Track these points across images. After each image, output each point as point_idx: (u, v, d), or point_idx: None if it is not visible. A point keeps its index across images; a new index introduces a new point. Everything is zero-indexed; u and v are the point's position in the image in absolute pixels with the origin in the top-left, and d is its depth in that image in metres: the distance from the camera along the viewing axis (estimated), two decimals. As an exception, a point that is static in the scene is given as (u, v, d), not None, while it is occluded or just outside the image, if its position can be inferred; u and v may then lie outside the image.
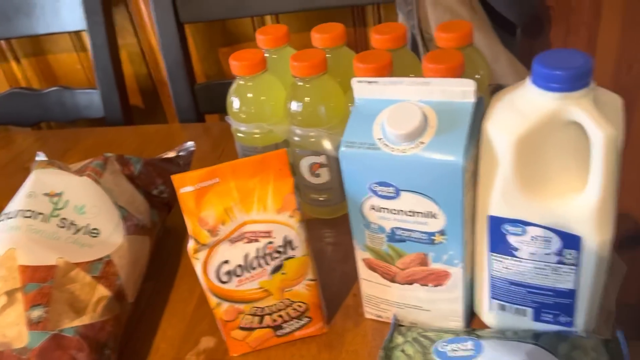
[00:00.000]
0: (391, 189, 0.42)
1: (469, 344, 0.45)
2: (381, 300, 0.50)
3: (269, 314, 0.49)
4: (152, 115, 1.15)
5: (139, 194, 0.60)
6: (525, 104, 0.38)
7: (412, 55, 0.60)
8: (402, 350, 0.46)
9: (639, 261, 1.18)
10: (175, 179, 0.44)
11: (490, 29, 0.78)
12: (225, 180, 0.44)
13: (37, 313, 0.46)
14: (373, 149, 0.42)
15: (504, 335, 0.45)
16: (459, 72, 0.48)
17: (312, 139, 0.59)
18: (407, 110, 0.41)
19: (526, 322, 0.46)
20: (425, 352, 0.45)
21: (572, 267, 0.41)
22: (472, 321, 0.50)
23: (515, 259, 0.43)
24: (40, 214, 0.53)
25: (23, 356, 0.44)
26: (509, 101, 0.40)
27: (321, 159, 0.60)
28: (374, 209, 0.44)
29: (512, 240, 0.42)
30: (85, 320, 0.47)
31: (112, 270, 0.52)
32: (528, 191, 0.40)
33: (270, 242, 0.45)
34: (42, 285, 0.47)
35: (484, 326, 0.49)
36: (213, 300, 0.47)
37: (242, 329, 0.49)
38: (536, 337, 0.44)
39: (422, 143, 0.40)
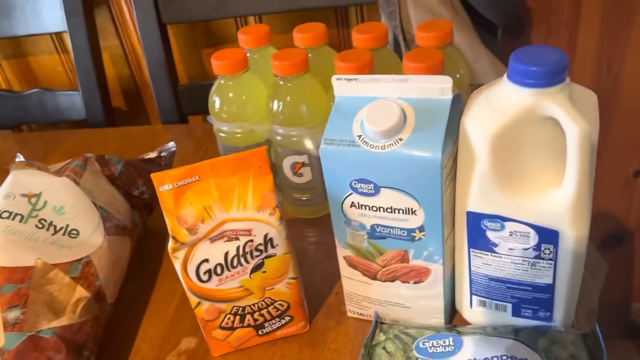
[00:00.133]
0: (371, 186, 0.42)
1: (449, 340, 0.45)
2: (363, 298, 0.50)
3: (250, 313, 0.49)
4: (135, 117, 1.14)
5: (119, 194, 0.60)
6: (502, 100, 0.39)
7: (393, 55, 0.60)
8: (384, 348, 0.46)
9: (622, 260, 1.19)
10: (155, 177, 0.44)
11: (472, 29, 0.78)
12: (205, 178, 0.44)
13: (13, 314, 0.45)
14: (353, 146, 0.42)
15: (484, 331, 0.46)
16: (438, 70, 0.48)
17: (294, 139, 0.59)
18: (386, 107, 0.41)
19: (506, 317, 0.47)
20: (406, 348, 0.45)
21: (550, 262, 0.42)
22: (453, 318, 0.51)
23: (494, 254, 0.43)
24: (18, 214, 0.52)
25: (-1, 358, 0.43)
26: (486, 98, 0.40)
27: (303, 159, 0.60)
28: (354, 206, 0.44)
29: (491, 235, 0.42)
30: (63, 321, 0.47)
31: (92, 271, 0.51)
32: (505, 187, 0.40)
33: (251, 241, 0.45)
34: (20, 286, 0.47)
35: (465, 323, 0.49)
36: (193, 299, 0.47)
37: (223, 328, 0.49)
38: (516, 333, 0.45)
39: (401, 140, 0.41)
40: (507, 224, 0.41)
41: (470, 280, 0.46)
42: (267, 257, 0.46)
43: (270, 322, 0.50)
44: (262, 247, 0.45)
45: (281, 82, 0.57)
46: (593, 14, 0.89)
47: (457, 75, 0.55)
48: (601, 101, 0.40)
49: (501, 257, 0.43)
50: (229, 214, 0.44)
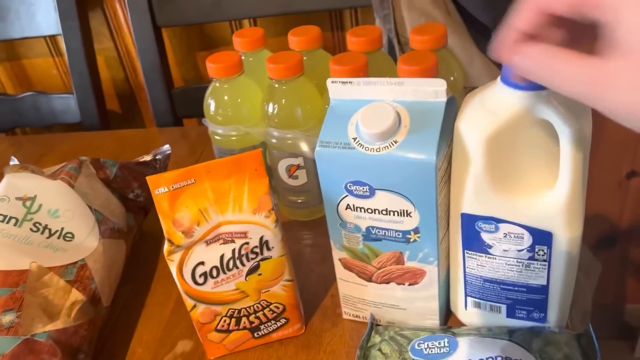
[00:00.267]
0: (366, 188, 0.43)
1: (444, 342, 0.45)
2: (358, 300, 0.50)
3: (246, 316, 0.49)
4: (130, 120, 1.14)
5: (114, 197, 0.60)
6: (496, 103, 0.39)
7: (388, 58, 0.60)
8: (379, 349, 0.46)
9: (615, 262, 1.20)
10: (151, 180, 0.44)
11: (466, 32, 0.79)
12: (200, 181, 0.44)
13: (8, 318, 0.45)
14: (348, 148, 0.42)
15: (479, 332, 0.46)
16: (432, 73, 0.48)
17: (289, 141, 0.59)
18: (381, 110, 0.42)
19: (501, 318, 0.47)
20: (401, 350, 0.46)
21: (544, 263, 0.42)
22: (448, 319, 0.51)
23: (489, 256, 0.44)
24: (13, 218, 0.52)
25: (-6, 362, 0.43)
26: (480, 100, 0.40)
27: (299, 161, 0.60)
28: (349, 208, 0.45)
29: (485, 237, 0.43)
30: (58, 324, 0.47)
31: (87, 274, 0.51)
32: (500, 188, 0.40)
33: (246, 243, 0.45)
34: (14, 289, 0.47)
35: (460, 324, 0.50)
36: (189, 302, 0.47)
37: (219, 331, 0.49)
38: (510, 333, 0.45)
39: (396, 142, 0.41)
40: (501, 225, 0.41)
41: (465, 281, 0.47)
42: (262, 259, 0.46)
43: (266, 325, 0.50)
44: (257, 250, 0.45)
45: (276, 85, 0.57)
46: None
47: (451, 78, 0.55)
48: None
49: (495, 259, 0.43)
50: (224, 216, 0.44)
